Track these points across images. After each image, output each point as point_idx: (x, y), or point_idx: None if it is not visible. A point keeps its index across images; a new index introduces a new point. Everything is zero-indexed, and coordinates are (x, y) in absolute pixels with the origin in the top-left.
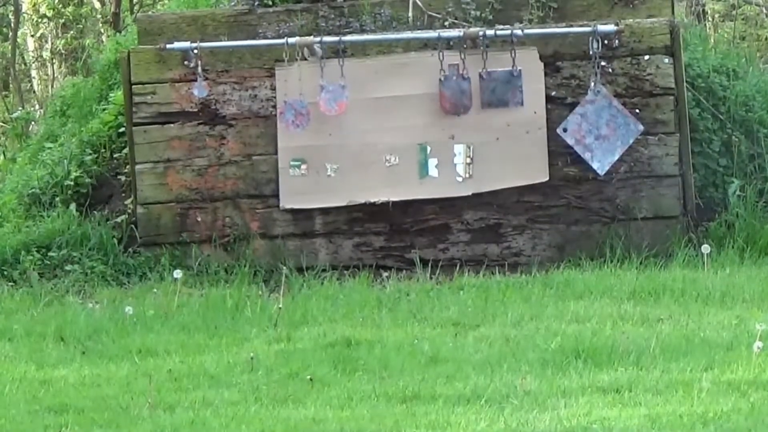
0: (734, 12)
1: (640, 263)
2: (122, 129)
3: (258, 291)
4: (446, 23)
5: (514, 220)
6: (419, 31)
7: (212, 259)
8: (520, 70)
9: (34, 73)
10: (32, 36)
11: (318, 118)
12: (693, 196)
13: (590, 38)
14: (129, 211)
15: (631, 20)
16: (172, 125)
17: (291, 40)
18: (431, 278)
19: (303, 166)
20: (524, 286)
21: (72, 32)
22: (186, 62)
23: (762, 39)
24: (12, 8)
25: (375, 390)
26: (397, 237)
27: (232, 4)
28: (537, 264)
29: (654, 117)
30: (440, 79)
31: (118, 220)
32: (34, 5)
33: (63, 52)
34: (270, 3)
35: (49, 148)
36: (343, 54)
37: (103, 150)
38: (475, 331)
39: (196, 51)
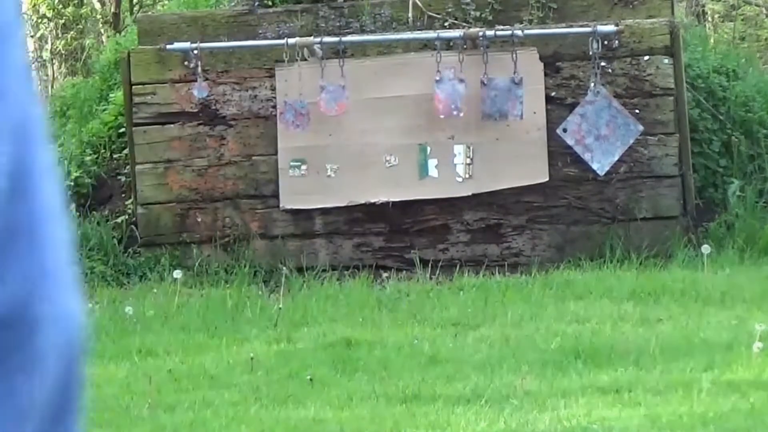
0: (734, 12)
1: (640, 263)
2: (122, 129)
3: (258, 291)
4: (446, 24)
5: (514, 221)
6: (419, 32)
7: (212, 259)
8: (521, 78)
9: (33, 73)
10: (32, 36)
11: (318, 118)
12: (693, 197)
13: (590, 38)
14: (129, 211)
15: (631, 21)
16: (172, 126)
17: (291, 40)
18: (431, 278)
19: (303, 167)
20: (524, 286)
21: (72, 33)
22: (186, 63)
23: (762, 39)
24: None
25: (375, 390)
26: (397, 237)
27: (232, 4)
28: (537, 264)
29: (654, 117)
30: (435, 80)
31: (118, 220)
32: (34, 5)
33: (63, 52)
34: (270, 3)
35: None
36: (343, 54)
37: (103, 150)
38: (475, 332)
39: (196, 51)
